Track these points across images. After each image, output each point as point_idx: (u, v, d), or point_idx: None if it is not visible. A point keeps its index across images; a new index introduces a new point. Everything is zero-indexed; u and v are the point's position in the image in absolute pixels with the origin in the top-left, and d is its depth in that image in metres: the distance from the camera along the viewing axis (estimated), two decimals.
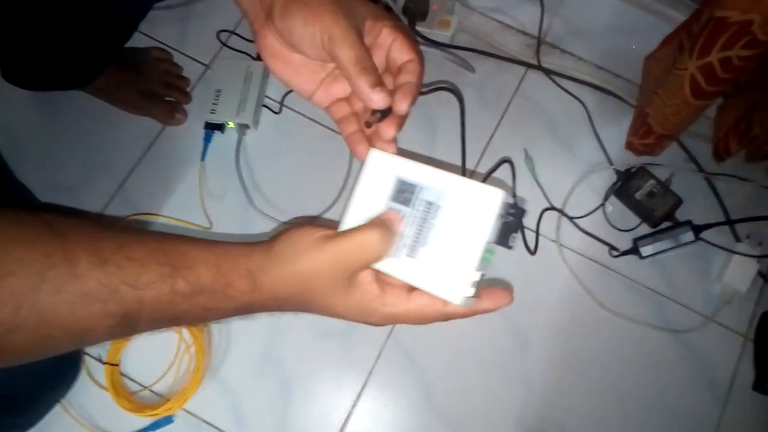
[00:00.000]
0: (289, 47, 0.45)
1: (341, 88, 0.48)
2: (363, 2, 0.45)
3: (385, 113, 0.44)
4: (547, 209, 0.90)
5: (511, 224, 0.41)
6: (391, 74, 0.46)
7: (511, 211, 0.41)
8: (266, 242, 0.43)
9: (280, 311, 0.44)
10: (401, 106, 0.43)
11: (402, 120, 0.45)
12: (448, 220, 0.41)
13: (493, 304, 0.43)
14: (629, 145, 0.92)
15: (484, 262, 0.40)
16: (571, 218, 0.90)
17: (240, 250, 0.43)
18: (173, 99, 0.94)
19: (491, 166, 0.91)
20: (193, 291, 0.40)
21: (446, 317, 0.44)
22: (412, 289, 0.43)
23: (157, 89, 0.92)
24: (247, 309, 0.43)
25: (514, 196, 0.90)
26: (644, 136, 0.87)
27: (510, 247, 0.43)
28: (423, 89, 0.93)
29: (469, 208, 0.40)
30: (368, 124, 0.45)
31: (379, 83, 0.42)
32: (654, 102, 0.81)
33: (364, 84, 0.42)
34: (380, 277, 0.43)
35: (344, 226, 0.44)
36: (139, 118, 0.92)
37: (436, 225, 0.41)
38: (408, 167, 0.43)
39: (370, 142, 0.47)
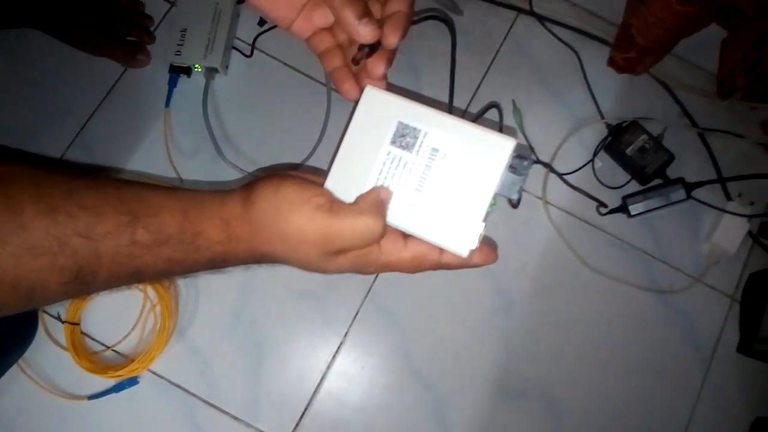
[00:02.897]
0: None
1: (323, 16, 0.43)
2: None
3: (374, 48, 0.41)
4: (534, 163, 0.86)
5: (517, 175, 0.40)
6: (379, 1, 0.42)
7: (524, 162, 0.39)
8: (244, 189, 0.39)
9: (256, 264, 0.41)
10: (391, 39, 0.40)
11: (392, 54, 0.42)
12: (454, 168, 0.39)
13: (483, 260, 0.41)
14: (611, 61, 0.88)
15: (487, 212, 0.39)
16: (559, 174, 0.86)
17: (211, 196, 0.39)
18: (135, 39, 0.86)
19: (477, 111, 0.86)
20: (157, 241, 0.36)
21: (440, 267, 0.42)
22: (406, 236, 0.41)
23: (118, 28, 0.85)
24: (219, 262, 0.39)
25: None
26: (626, 50, 0.83)
27: (515, 205, 0.42)
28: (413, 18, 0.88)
29: (478, 157, 0.38)
30: (356, 61, 0.41)
31: (366, 14, 0.39)
32: (639, 12, 0.77)
33: (349, 15, 0.39)
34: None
35: (333, 174, 0.40)
36: (99, 59, 0.85)
37: (441, 173, 0.39)
38: (410, 108, 0.39)
39: (357, 80, 0.43)
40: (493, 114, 0.84)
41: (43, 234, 0.33)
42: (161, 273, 0.38)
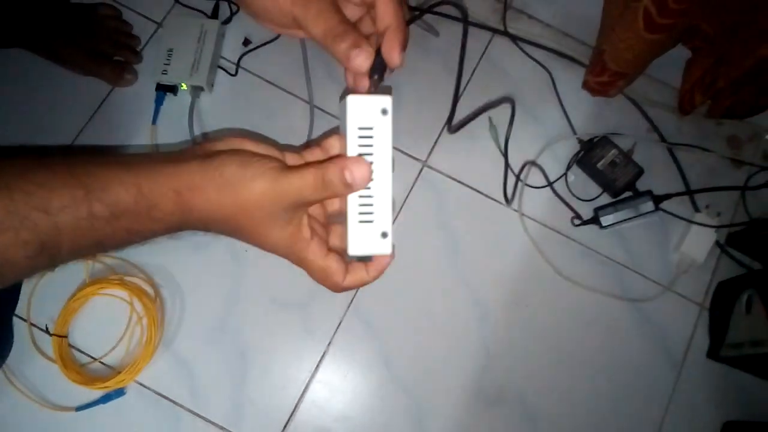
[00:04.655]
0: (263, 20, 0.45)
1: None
2: None
3: (382, 69, 0.42)
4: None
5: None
6: (370, 16, 0.45)
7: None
8: (201, 155, 0.41)
9: (205, 231, 0.43)
10: (393, 59, 0.42)
11: (399, 57, 0.43)
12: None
13: (377, 270, 0.45)
14: (585, 84, 0.92)
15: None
16: (534, 187, 0.89)
17: (163, 166, 0.40)
18: (122, 59, 0.89)
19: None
20: (113, 214, 0.38)
21: (338, 290, 0.46)
22: (330, 249, 0.44)
23: (105, 48, 0.87)
24: (174, 229, 0.42)
25: None
26: (599, 74, 0.86)
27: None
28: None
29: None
30: (371, 90, 0.43)
31: (353, 45, 0.41)
32: (610, 39, 0.80)
33: (339, 53, 0.41)
34: (312, 223, 0.43)
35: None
36: (86, 78, 0.87)
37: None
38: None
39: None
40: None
41: (3, 212, 0.35)
42: (123, 242, 0.40)
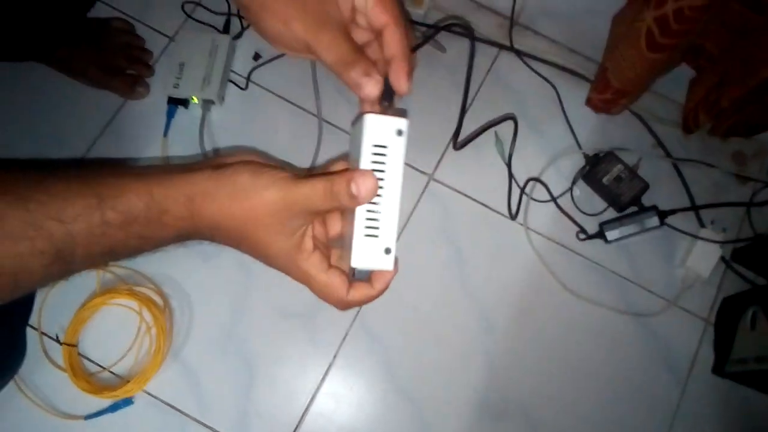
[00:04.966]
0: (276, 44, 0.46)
1: None
2: None
3: (390, 94, 0.44)
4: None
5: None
6: (378, 41, 0.46)
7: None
8: (213, 166, 0.42)
9: (211, 241, 0.44)
10: (401, 87, 0.43)
11: (406, 84, 0.44)
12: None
13: (382, 284, 0.45)
14: (589, 101, 0.93)
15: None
16: (539, 201, 0.90)
17: (176, 174, 0.41)
18: (135, 72, 0.90)
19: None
20: (126, 220, 0.39)
21: (342, 305, 0.46)
22: (331, 265, 0.44)
23: (118, 62, 0.89)
24: (183, 237, 0.42)
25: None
26: (602, 92, 0.87)
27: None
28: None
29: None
30: (383, 113, 0.44)
31: (364, 73, 0.42)
32: (614, 57, 0.82)
33: (350, 80, 0.42)
34: (315, 241, 0.44)
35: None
36: (99, 91, 0.89)
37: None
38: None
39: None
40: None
41: (18, 221, 0.36)
42: (135, 249, 0.41)
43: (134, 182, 0.40)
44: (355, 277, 0.45)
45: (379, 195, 0.41)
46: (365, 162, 0.41)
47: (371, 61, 0.43)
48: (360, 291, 0.45)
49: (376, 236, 0.42)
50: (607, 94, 0.86)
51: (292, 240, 0.42)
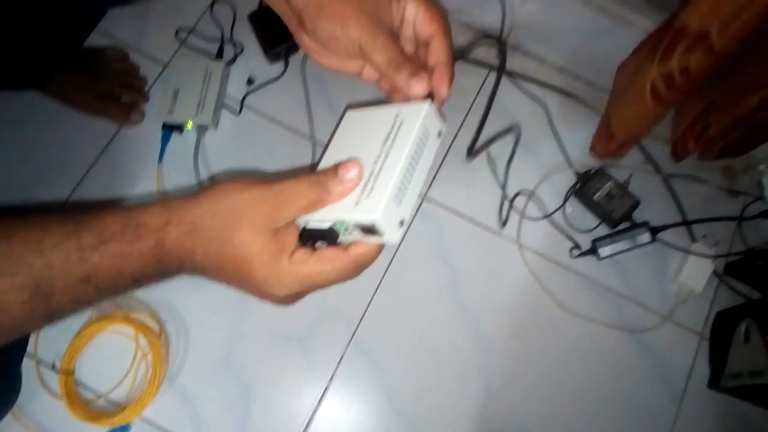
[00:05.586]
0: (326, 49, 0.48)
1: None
2: None
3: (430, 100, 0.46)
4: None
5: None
6: (423, 47, 0.49)
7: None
8: (194, 192, 0.44)
9: (191, 258, 0.42)
10: (441, 91, 0.47)
11: (447, 90, 0.48)
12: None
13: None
14: (593, 149, 0.93)
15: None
16: (532, 219, 0.91)
17: (157, 200, 0.43)
18: (129, 100, 0.91)
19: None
20: (101, 240, 0.39)
21: (356, 264, 0.44)
22: (315, 251, 0.43)
23: (113, 90, 0.90)
24: (159, 249, 0.41)
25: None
26: (606, 142, 0.88)
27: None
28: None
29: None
30: None
31: (413, 74, 0.45)
32: (618, 108, 0.82)
33: (400, 81, 0.45)
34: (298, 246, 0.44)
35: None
36: (94, 119, 0.90)
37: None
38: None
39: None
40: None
41: (1, 258, 0.37)
42: (112, 272, 0.40)
43: (113, 206, 0.41)
44: (313, 245, 0.44)
45: (410, 172, 0.43)
46: (410, 139, 0.43)
47: (420, 63, 0.47)
48: (359, 247, 0.44)
49: (400, 202, 0.42)
50: (612, 145, 0.87)
51: (275, 239, 0.42)
